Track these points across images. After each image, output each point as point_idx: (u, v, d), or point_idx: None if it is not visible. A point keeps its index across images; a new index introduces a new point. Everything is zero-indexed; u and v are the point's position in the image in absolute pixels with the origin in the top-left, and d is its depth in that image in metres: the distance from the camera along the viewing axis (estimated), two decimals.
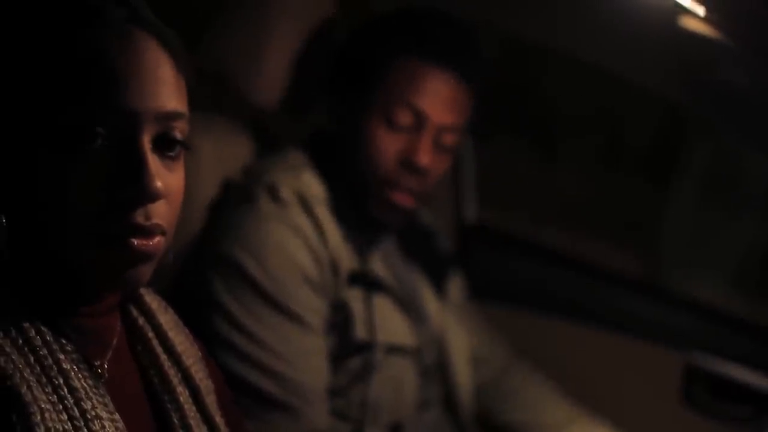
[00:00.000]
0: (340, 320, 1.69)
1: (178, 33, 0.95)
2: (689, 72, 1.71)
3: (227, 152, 1.77)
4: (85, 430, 0.88)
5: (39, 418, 0.85)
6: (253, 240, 1.63)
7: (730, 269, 4.09)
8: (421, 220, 1.94)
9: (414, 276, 1.87)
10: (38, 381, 0.88)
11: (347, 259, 1.70)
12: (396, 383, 1.75)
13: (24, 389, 0.86)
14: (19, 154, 0.88)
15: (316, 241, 1.66)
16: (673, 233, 4.22)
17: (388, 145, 1.68)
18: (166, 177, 0.91)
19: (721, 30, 1.54)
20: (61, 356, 0.91)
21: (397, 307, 1.78)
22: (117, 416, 0.92)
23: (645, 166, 4.55)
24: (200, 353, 1.10)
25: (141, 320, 1.04)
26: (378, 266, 1.76)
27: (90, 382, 0.92)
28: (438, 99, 1.68)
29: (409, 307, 1.81)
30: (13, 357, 0.87)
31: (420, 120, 1.68)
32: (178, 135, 0.92)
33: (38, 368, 0.89)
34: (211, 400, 1.07)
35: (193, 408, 1.04)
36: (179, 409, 1.02)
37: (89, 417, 0.89)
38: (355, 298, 1.70)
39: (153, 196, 0.89)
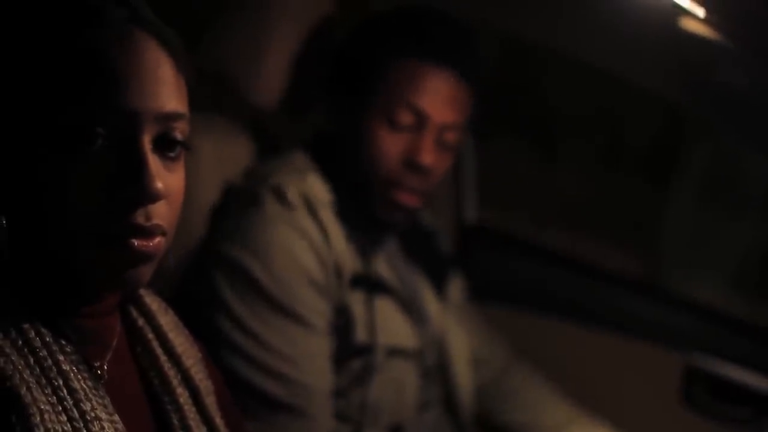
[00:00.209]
0: (341, 323, 1.69)
1: (178, 33, 0.95)
2: (689, 73, 1.71)
3: (227, 153, 1.77)
4: (85, 431, 0.88)
5: (38, 419, 0.85)
6: (258, 243, 1.62)
7: (730, 270, 4.09)
8: (421, 220, 1.94)
9: (415, 277, 1.87)
10: (38, 382, 0.88)
11: (351, 262, 1.70)
12: (397, 385, 1.75)
13: (23, 390, 0.86)
14: (19, 155, 0.88)
15: (321, 245, 1.65)
16: (673, 234, 4.23)
17: (391, 146, 1.68)
18: (167, 177, 0.91)
19: (720, 31, 1.54)
20: (61, 357, 0.90)
21: (400, 308, 1.78)
22: (116, 417, 0.92)
23: (645, 166, 4.55)
24: (200, 354, 1.10)
25: (141, 321, 1.04)
26: (382, 267, 1.76)
27: (90, 383, 0.92)
28: (438, 98, 1.68)
29: (411, 308, 1.81)
30: (13, 358, 0.87)
31: (421, 120, 1.68)
32: (179, 135, 0.92)
33: (38, 369, 0.89)
34: (210, 401, 1.07)
35: (193, 409, 1.04)
36: (179, 410, 1.02)
37: (89, 418, 0.89)
38: (356, 300, 1.70)
39: (153, 197, 0.89)
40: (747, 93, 1.67)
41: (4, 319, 0.89)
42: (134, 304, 1.04)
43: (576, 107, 4.46)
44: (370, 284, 1.73)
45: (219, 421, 1.06)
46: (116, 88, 0.88)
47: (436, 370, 1.86)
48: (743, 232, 4.09)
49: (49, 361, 0.89)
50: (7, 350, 0.87)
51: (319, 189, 1.70)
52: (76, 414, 0.89)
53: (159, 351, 1.03)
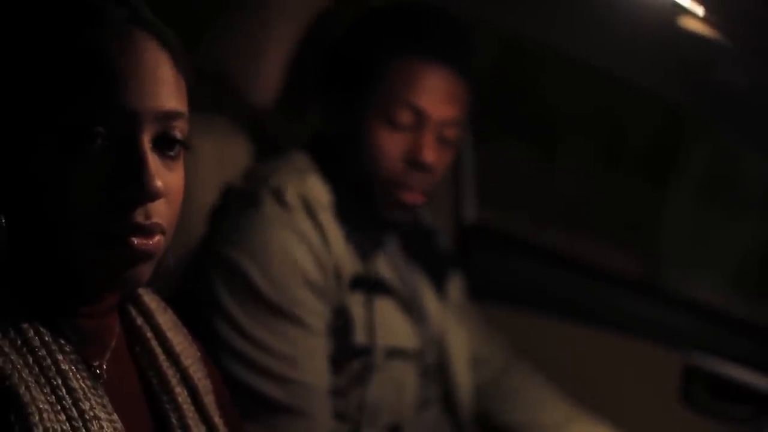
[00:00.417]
0: (340, 324, 1.69)
1: (178, 33, 0.95)
2: (688, 72, 1.71)
3: (227, 152, 1.77)
4: (84, 430, 0.88)
5: (37, 418, 0.85)
6: (257, 245, 1.62)
7: (729, 269, 4.09)
8: (421, 220, 1.94)
9: (415, 276, 1.87)
10: (37, 381, 0.88)
11: (350, 264, 1.69)
12: (397, 385, 1.75)
13: (22, 389, 0.86)
14: (19, 154, 0.88)
15: (320, 247, 1.65)
16: (672, 233, 4.23)
17: (392, 146, 1.68)
18: (166, 176, 0.91)
19: (720, 30, 1.54)
20: (60, 357, 0.90)
21: (400, 308, 1.78)
22: (115, 417, 0.92)
23: (644, 166, 4.55)
24: (199, 353, 1.10)
25: (140, 320, 1.04)
26: (383, 267, 1.76)
27: (88, 382, 0.92)
28: (437, 95, 1.68)
29: (411, 308, 1.81)
30: (12, 357, 0.87)
31: (421, 118, 1.68)
32: (178, 134, 0.92)
33: (37, 369, 0.89)
34: (209, 400, 1.07)
35: (192, 408, 1.04)
36: (178, 409, 1.02)
37: (87, 417, 0.89)
38: (356, 302, 1.70)
39: (153, 196, 0.89)
40: (746, 92, 1.67)
41: (4, 318, 0.89)
42: (133, 303, 1.04)
43: (575, 107, 4.46)
44: (369, 285, 1.72)
45: (218, 420, 1.06)
46: (116, 88, 0.88)
47: (436, 369, 1.86)
48: (743, 232, 4.09)
49: (48, 361, 0.89)
50: (6, 349, 0.87)
51: (319, 190, 1.70)
52: (74, 413, 0.89)
53: (158, 350, 1.03)
